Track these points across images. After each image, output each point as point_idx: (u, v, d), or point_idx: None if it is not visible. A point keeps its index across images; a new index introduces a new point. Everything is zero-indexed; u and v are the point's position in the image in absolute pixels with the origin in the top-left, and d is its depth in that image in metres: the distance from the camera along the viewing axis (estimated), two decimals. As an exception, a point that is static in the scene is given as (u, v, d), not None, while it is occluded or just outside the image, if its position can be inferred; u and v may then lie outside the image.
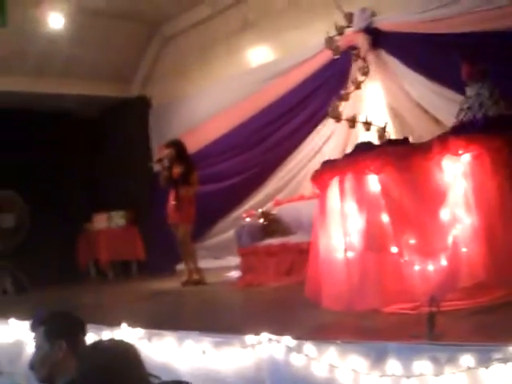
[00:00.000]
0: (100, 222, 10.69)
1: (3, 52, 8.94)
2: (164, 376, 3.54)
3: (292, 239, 6.20)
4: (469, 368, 2.32)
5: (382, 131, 4.39)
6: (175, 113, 10.38)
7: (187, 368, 3.52)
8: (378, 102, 7.44)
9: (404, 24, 7.30)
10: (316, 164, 6.36)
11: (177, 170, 7.39)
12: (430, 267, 3.21)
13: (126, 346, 2.48)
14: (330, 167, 3.81)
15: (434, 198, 3.28)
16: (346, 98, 4.73)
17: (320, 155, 7.87)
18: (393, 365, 2.53)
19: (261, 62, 9.08)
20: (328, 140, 7.98)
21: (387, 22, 7.43)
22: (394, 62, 7.37)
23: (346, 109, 7.42)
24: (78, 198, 11.08)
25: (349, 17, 5.13)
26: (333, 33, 5.23)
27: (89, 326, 4.18)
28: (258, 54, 9.16)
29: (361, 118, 7.08)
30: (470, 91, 4.51)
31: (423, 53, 7.12)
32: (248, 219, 7.22)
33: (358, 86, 4.83)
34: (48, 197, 10.28)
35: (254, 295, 5.67)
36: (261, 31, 8.96)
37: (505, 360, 2.24)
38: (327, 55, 7.88)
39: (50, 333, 3.02)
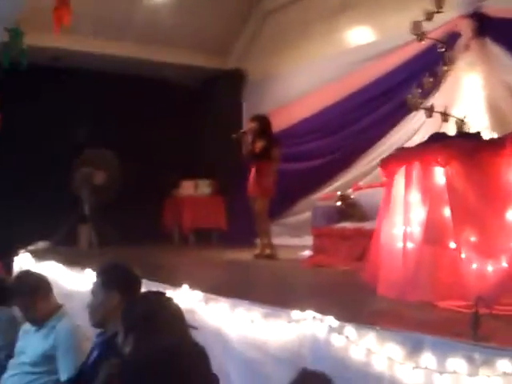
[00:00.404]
0: (187, 188, 10.95)
1: (112, 17, 9.27)
2: (214, 339, 3.70)
3: (367, 225, 6.11)
4: (505, 373, 2.26)
5: (461, 123, 4.24)
6: (269, 88, 10.43)
7: (236, 334, 3.60)
8: (475, 93, 7.15)
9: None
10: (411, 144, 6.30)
11: (259, 145, 7.45)
12: (489, 267, 3.11)
13: (169, 300, 2.63)
14: (398, 156, 3.75)
15: (502, 197, 3.16)
16: (426, 86, 4.57)
17: (409, 145, 7.69)
18: (427, 358, 2.50)
19: (358, 43, 8.96)
20: (419, 130, 7.78)
21: (498, 6, 7.04)
22: (499, 52, 7.02)
23: (438, 99, 7.28)
24: (170, 164, 11.38)
25: (438, 2, 4.92)
26: (421, 17, 5.02)
27: (152, 284, 4.45)
28: (356, 35, 9.05)
29: (453, 111, 6.90)
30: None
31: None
32: (325, 201, 7.19)
33: (437, 77, 4.65)
34: (142, 159, 10.64)
35: (318, 275, 5.70)
36: (360, 12, 8.82)
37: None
38: (428, 41, 7.69)
39: (106, 283, 3.20)
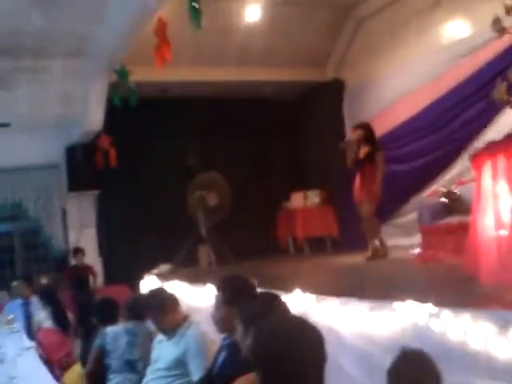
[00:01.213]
0: (297, 200, 11.33)
1: (210, 44, 9.84)
2: (326, 336, 4.02)
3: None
4: None
5: None
6: (368, 94, 10.65)
7: (346, 329, 3.91)
8: None
9: None
10: None
11: (364, 151, 7.71)
12: None
13: (279, 299, 2.93)
14: (484, 150, 3.94)
15: None
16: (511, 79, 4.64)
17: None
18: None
19: (451, 40, 8.99)
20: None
21: None
22: None
23: None
24: (277, 178, 11.82)
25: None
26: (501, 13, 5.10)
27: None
28: (448, 32, 9.08)
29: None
30: None
31: None
32: (430, 198, 7.33)
33: None
34: (250, 177, 11.16)
35: (424, 270, 5.87)
36: (450, 8, 8.86)
37: None
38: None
39: (227, 299, 3.55)
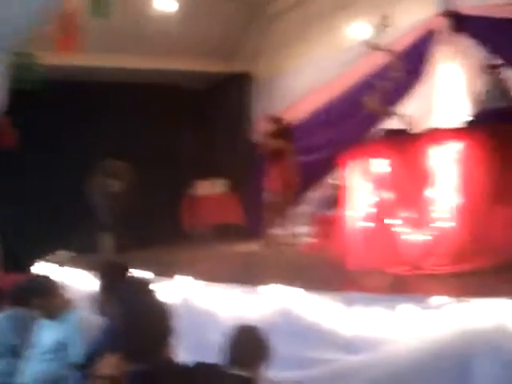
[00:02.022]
0: (204, 188, 11.57)
1: (121, 32, 9.93)
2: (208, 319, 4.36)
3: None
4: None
5: (408, 120, 4.78)
6: (277, 87, 11.03)
7: (225, 312, 4.25)
8: (456, 84, 7.70)
9: (482, 8, 7.46)
10: None
11: (276, 143, 8.07)
12: (422, 237, 3.72)
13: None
14: (350, 151, 4.38)
15: (426, 179, 3.77)
16: (382, 89, 5.10)
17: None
18: (358, 311, 3.12)
19: (353, 41, 9.45)
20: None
21: (467, 6, 7.61)
22: (474, 46, 7.55)
23: (425, 87, 7.91)
24: (186, 166, 12.03)
25: (386, 18, 5.45)
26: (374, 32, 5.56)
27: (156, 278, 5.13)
28: (350, 34, 9.56)
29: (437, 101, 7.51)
30: (485, 84, 4.83)
31: (501, 37, 7.27)
32: (323, 190, 7.79)
33: (390, 84, 5.18)
34: (158, 165, 11.31)
35: (306, 257, 6.33)
36: (352, 12, 9.33)
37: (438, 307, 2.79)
38: (412, 37, 8.29)
39: (106, 285, 3.79)
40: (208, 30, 10.73)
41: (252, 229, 10.50)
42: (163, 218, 10.67)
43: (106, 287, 3.78)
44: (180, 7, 9.78)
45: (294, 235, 8.18)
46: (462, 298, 2.76)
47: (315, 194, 8.09)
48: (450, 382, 2.71)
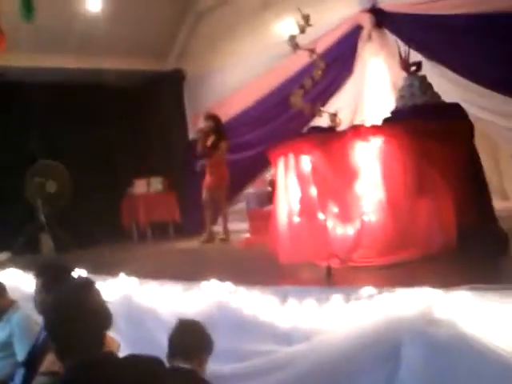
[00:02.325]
0: (140, 187, 11.60)
1: (51, 31, 9.83)
2: (147, 315, 4.45)
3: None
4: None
5: (333, 117, 5.01)
6: (207, 85, 11.17)
7: (164, 308, 4.36)
8: (381, 79, 8.01)
9: (405, 5, 7.80)
10: None
11: (211, 140, 8.22)
12: (349, 230, 3.93)
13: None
14: (278, 147, 4.55)
15: (350, 175, 3.99)
16: (306, 87, 5.30)
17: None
18: (293, 304, 3.29)
19: (280, 39, 9.65)
20: (339, 112, 8.55)
21: (389, 2, 7.94)
22: (396, 41, 7.86)
23: (351, 83, 8.19)
24: (122, 165, 12.01)
25: (306, 17, 5.66)
26: (296, 31, 5.77)
27: (97, 277, 5.18)
28: (278, 32, 9.75)
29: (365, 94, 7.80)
30: (405, 81, 5.10)
31: (423, 33, 7.62)
32: (257, 186, 7.97)
33: (314, 82, 5.39)
34: (94, 164, 11.26)
35: (242, 252, 6.50)
36: (279, 10, 9.53)
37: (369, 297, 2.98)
38: (339, 33, 8.56)
39: (45, 285, 3.85)
40: (139, 28, 10.74)
41: (191, 226, 10.63)
42: (102, 218, 10.65)
43: (44, 287, 3.84)
44: (110, 6, 9.75)
45: (229, 232, 8.30)
46: (389, 289, 2.95)
47: (251, 191, 8.23)
48: (380, 367, 2.90)
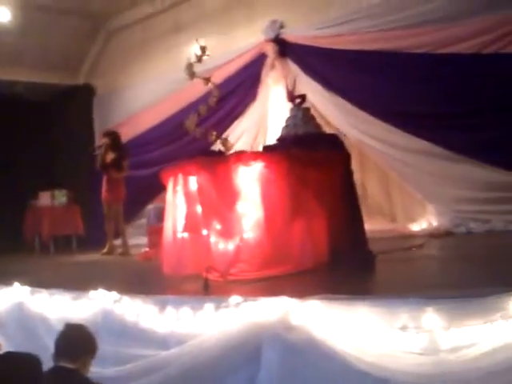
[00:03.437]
0: (44, 199, 11.56)
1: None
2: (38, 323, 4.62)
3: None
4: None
5: (225, 141, 5.37)
6: (116, 101, 11.35)
7: (55, 315, 4.54)
8: (282, 106, 8.44)
9: (306, 37, 8.31)
10: None
11: (110, 157, 8.46)
12: (230, 246, 4.28)
13: None
14: (169, 168, 4.88)
15: (233, 195, 4.36)
16: (201, 113, 5.67)
17: (235, 147, 8.84)
18: (170, 311, 3.58)
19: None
20: (240, 137, 9.01)
21: (292, 34, 8.44)
22: (296, 70, 8.38)
23: (255, 108, 8.63)
24: (28, 177, 11.96)
25: (203, 48, 6.02)
26: (193, 59, 6.10)
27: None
28: (190, 53, 10.06)
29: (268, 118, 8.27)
30: (290, 112, 5.54)
31: (321, 64, 8.15)
32: (157, 202, 8.22)
33: (209, 108, 5.77)
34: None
35: (137, 264, 6.76)
36: (191, 32, 9.86)
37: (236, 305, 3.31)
38: (245, 60, 8.99)
39: None
40: (49, 41, 10.87)
41: (94, 239, 10.71)
42: (5, 229, 10.60)
43: None
44: (18, 19, 9.79)
45: (129, 245, 8.53)
46: (253, 298, 3.30)
47: (151, 206, 8.49)
48: (243, 367, 3.22)
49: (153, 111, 10.51)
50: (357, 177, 7.97)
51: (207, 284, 3.78)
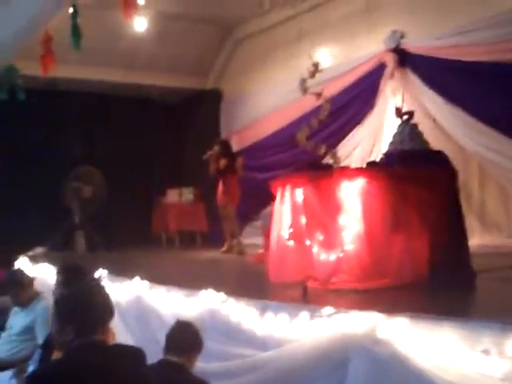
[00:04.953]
0: (172, 196, 12.30)
1: (99, 47, 10.61)
2: (153, 315, 5.06)
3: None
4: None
5: (334, 155, 5.53)
6: (242, 107, 11.83)
7: (168, 311, 4.95)
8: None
9: (427, 47, 8.28)
10: (348, 164, 7.71)
11: (222, 163, 8.96)
12: (331, 257, 4.49)
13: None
14: (279, 178, 5.16)
15: (335, 208, 4.56)
16: (312, 126, 5.85)
17: (349, 159, 9.00)
18: (270, 316, 3.85)
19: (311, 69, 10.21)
20: (357, 147, 9.15)
21: (412, 44, 8.44)
22: (417, 81, 8.37)
23: (372, 118, 8.72)
24: (157, 175, 12.76)
25: (316, 65, 6.19)
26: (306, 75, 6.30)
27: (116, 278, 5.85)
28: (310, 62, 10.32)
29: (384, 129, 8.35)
30: (397, 128, 5.61)
31: (441, 75, 8.09)
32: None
33: (320, 122, 5.92)
34: (131, 173, 12.03)
35: (249, 266, 7.14)
36: (314, 40, 10.11)
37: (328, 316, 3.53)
38: (364, 69, 9.09)
39: (64, 282, 4.50)
40: (180, 49, 11.58)
41: (217, 236, 11.24)
42: (135, 223, 11.38)
43: (62, 283, 4.50)
44: (154, 28, 10.45)
45: (243, 245, 9.08)
46: (345, 310, 3.50)
47: (268, 209, 8.82)
48: (331, 374, 3.44)
49: (272, 118, 10.86)
50: (475, 191, 8.11)
51: (306, 292, 4.02)
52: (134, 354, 2.93)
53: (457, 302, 3.93)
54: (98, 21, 9.82)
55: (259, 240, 10.10)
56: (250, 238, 10.14)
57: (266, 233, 8.36)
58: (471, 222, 7.80)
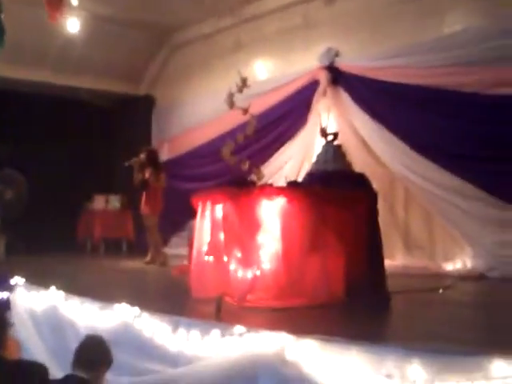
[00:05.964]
0: (98, 202, 12.08)
1: (30, 46, 10.35)
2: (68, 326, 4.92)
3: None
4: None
5: (257, 171, 5.56)
6: (174, 114, 11.74)
7: (84, 322, 4.83)
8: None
9: (359, 67, 8.42)
10: (278, 179, 7.76)
11: (148, 172, 8.81)
12: (248, 274, 4.48)
13: None
14: (200, 194, 5.13)
15: (254, 226, 4.56)
16: (238, 141, 5.89)
17: (282, 171, 9.04)
18: (182, 332, 3.80)
19: (253, 79, 10.21)
20: (289, 160, 9.20)
21: (346, 63, 8.58)
22: (348, 100, 8.50)
23: (304, 134, 8.79)
24: (85, 180, 12.45)
25: (244, 80, 6.21)
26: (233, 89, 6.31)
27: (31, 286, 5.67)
28: (248, 73, 10.32)
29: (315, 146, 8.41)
30: (322, 148, 5.69)
31: (371, 95, 8.25)
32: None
33: (246, 137, 5.97)
34: (57, 177, 11.68)
35: (169, 278, 7.03)
36: (251, 51, 10.14)
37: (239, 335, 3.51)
38: (298, 84, 9.16)
39: None
40: (113, 53, 11.41)
41: (141, 245, 11.07)
42: (60, 228, 11.07)
43: None
44: (87, 30, 10.24)
45: (165, 256, 9.02)
46: (256, 329, 3.49)
47: (192, 221, 8.76)
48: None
49: (204, 129, 10.81)
50: (400, 212, 8.26)
51: (219, 309, 3.99)
52: (36, 370, 2.83)
53: (367, 325, 3.97)
54: (26, 18, 9.59)
55: (186, 251, 10.11)
56: (177, 249, 10.08)
57: (191, 244, 8.35)
58: (396, 243, 8.03)
